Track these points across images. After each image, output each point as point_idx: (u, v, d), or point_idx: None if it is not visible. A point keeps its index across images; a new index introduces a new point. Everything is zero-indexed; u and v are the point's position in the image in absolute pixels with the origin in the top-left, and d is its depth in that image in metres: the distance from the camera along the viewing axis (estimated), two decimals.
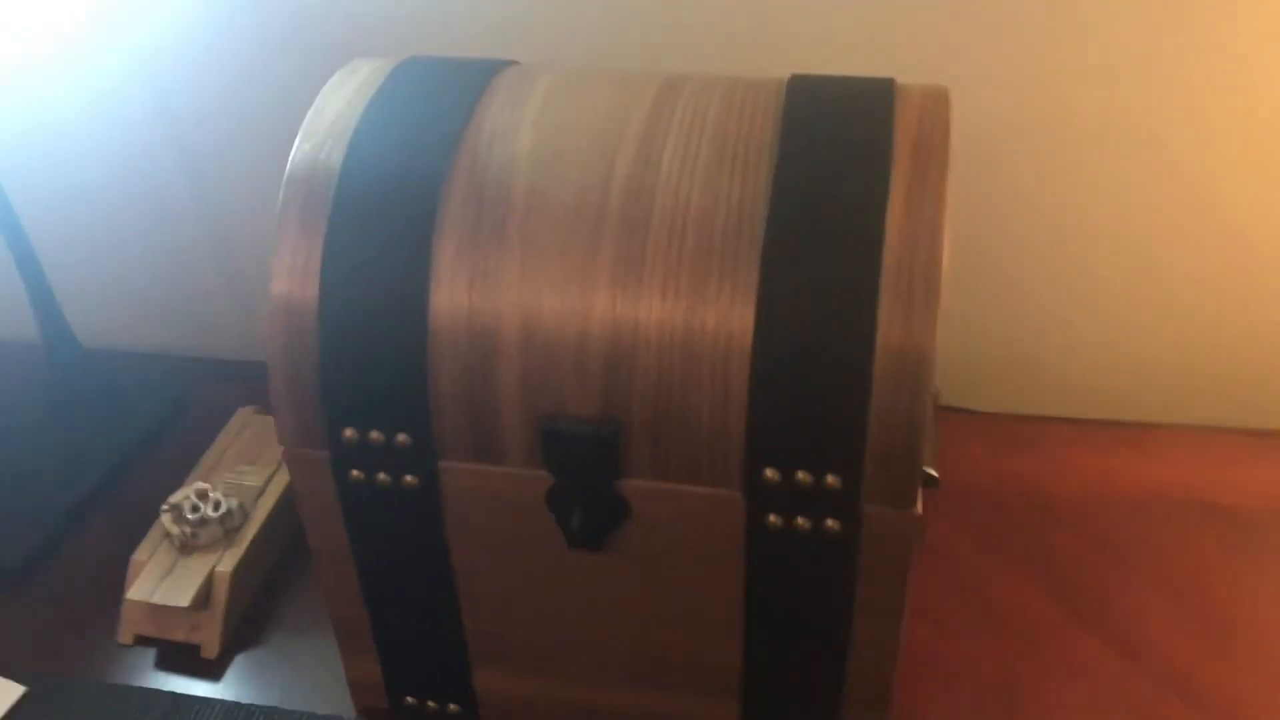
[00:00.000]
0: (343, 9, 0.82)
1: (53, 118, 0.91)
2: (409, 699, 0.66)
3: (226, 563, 0.72)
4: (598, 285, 0.51)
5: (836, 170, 0.51)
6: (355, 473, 0.56)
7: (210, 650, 0.71)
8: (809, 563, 0.54)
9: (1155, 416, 0.86)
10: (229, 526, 0.73)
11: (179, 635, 0.71)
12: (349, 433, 0.54)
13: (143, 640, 0.72)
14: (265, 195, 0.91)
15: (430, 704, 0.66)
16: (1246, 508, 0.78)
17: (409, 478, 0.55)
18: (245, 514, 0.75)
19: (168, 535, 0.73)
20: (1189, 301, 0.85)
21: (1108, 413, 0.86)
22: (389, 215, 0.52)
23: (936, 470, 0.61)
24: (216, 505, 0.73)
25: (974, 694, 0.67)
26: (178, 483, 0.77)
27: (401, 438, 0.54)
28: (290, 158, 0.54)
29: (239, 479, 0.77)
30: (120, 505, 0.82)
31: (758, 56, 0.79)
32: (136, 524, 0.76)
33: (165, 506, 0.73)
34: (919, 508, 0.52)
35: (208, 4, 0.83)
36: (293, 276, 0.53)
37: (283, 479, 0.78)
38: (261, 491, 0.77)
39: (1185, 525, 0.77)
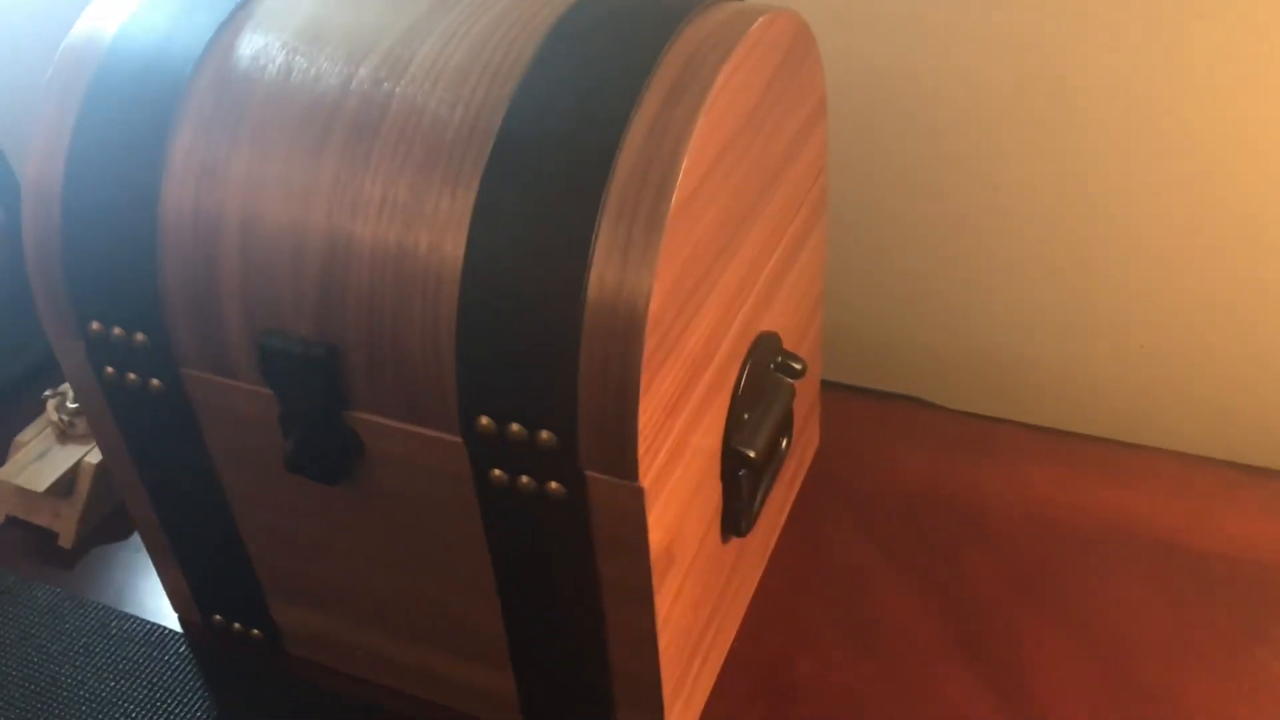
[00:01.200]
0: None
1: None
2: (217, 617, 0.64)
3: (96, 455, 0.71)
4: (317, 193, 0.46)
5: (582, 88, 0.44)
6: (109, 369, 0.53)
7: (66, 539, 0.71)
8: (539, 527, 0.48)
9: (1130, 436, 0.74)
10: None
11: (42, 520, 0.71)
12: (95, 326, 0.52)
13: (14, 521, 0.73)
14: None
15: (236, 625, 0.63)
16: (1207, 554, 0.66)
17: (154, 381, 0.52)
18: None
19: (51, 422, 0.73)
20: (1191, 318, 0.73)
21: (1072, 424, 0.75)
22: (133, 99, 0.49)
23: (764, 451, 0.54)
24: None
25: (812, 714, 0.59)
26: None
27: (139, 337, 0.51)
28: (69, 34, 0.52)
29: None
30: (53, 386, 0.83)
31: None
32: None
33: (49, 393, 0.73)
34: (644, 479, 0.45)
35: None
36: (45, 158, 0.51)
37: None
38: None
39: (1129, 567, 0.66)
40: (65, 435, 0.73)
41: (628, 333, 0.42)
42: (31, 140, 0.51)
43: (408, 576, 0.54)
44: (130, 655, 0.64)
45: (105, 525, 0.72)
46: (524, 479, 0.47)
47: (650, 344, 0.42)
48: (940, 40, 0.69)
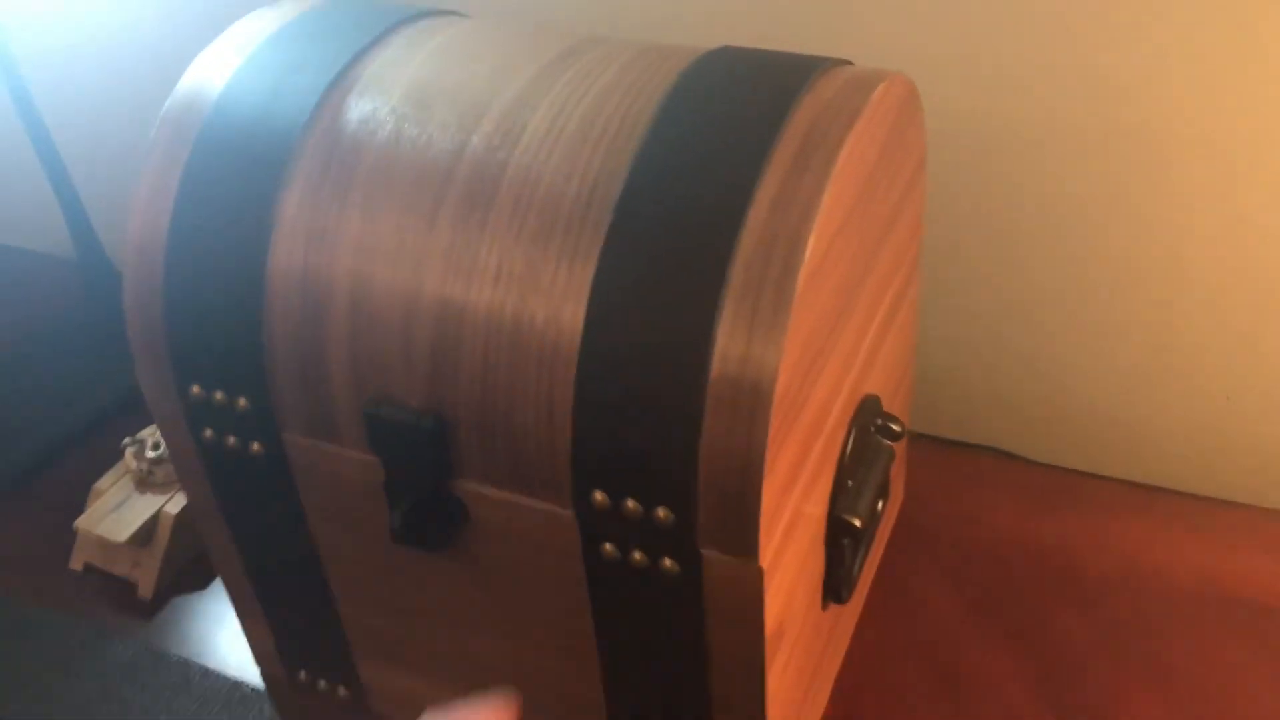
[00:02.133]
0: None
1: (89, 34, 0.93)
2: (303, 674, 0.63)
3: (175, 504, 0.71)
4: (429, 262, 0.46)
5: (703, 158, 0.43)
6: (208, 432, 0.53)
7: (145, 590, 0.70)
8: (650, 603, 0.47)
9: (1223, 493, 0.73)
10: None
11: (121, 570, 0.71)
12: (196, 390, 0.51)
13: (91, 569, 0.72)
14: None
15: (322, 683, 0.63)
16: None
17: (255, 445, 0.52)
18: None
19: (129, 469, 0.73)
20: (1271, 363, 0.71)
21: (1169, 480, 0.73)
22: (240, 161, 0.49)
23: (867, 517, 0.53)
24: None
25: None
26: None
27: (242, 402, 0.51)
28: (173, 92, 0.52)
29: None
30: (127, 431, 0.83)
31: (754, 28, 0.71)
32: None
33: (128, 441, 0.73)
34: (763, 559, 0.44)
35: None
36: (147, 220, 0.50)
37: None
38: None
39: (1223, 628, 0.64)
40: (144, 483, 0.72)
41: (753, 411, 0.41)
42: (134, 199, 0.51)
43: (505, 643, 0.53)
44: (213, 713, 0.63)
45: (184, 575, 0.72)
46: (637, 554, 0.46)
47: (775, 423, 0.42)
48: (1036, 90, 0.68)
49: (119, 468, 0.74)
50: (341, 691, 0.62)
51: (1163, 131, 0.67)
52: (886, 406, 0.59)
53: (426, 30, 0.53)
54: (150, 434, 0.73)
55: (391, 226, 0.46)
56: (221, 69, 0.52)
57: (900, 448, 0.69)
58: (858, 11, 0.70)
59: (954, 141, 0.71)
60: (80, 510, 0.73)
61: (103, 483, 0.73)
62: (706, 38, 0.74)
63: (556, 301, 0.44)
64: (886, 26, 0.70)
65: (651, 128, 0.45)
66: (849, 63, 0.49)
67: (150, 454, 0.72)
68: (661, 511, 0.44)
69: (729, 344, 0.41)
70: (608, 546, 0.46)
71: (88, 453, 0.81)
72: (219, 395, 0.51)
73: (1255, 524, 0.70)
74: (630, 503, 0.44)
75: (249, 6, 0.82)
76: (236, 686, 0.64)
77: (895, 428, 0.57)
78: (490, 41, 0.51)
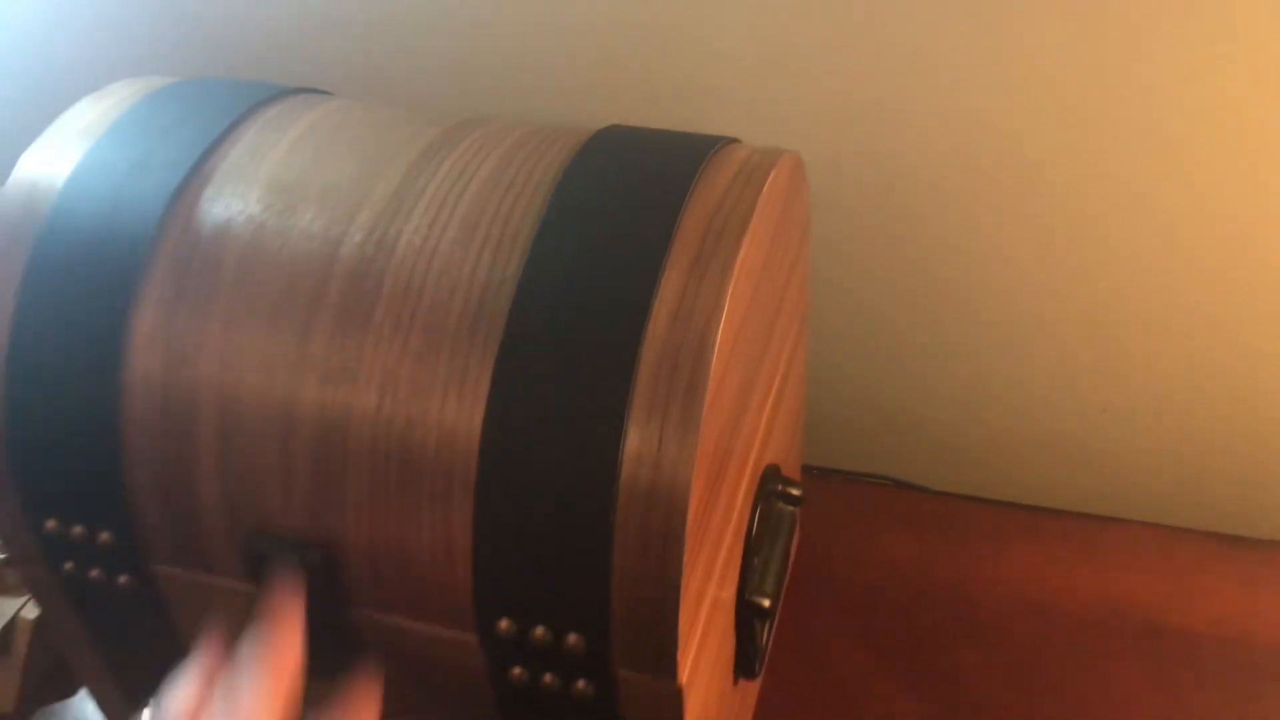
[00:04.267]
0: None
1: None
2: None
3: (32, 608, 0.65)
4: (304, 391, 0.42)
5: (595, 264, 0.41)
6: (68, 565, 0.48)
7: (4, 704, 0.65)
8: None
9: (1100, 509, 0.74)
10: None
11: None
12: (51, 524, 0.47)
13: None
14: None
15: None
16: (1191, 632, 0.66)
17: (123, 578, 0.48)
18: None
19: None
20: (1158, 385, 0.73)
21: (1050, 500, 0.75)
22: (85, 278, 0.44)
23: (773, 596, 0.52)
24: None
25: None
26: None
27: (104, 536, 0.46)
28: (9, 180, 0.47)
29: None
30: None
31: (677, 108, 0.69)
32: None
33: None
34: (681, 677, 0.42)
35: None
36: None
37: None
38: None
39: (1117, 651, 0.66)
40: None
41: (666, 535, 0.39)
42: None
43: None
44: None
45: (46, 683, 0.67)
46: (548, 677, 0.44)
47: (689, 541, 0.40)
48: (909, 127, 0.68)
49: None
50: None
51: (1045, 161, 0.67)
52: (784, 469, 0.58)
53: (286, 115, 0.49)
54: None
55: (259, 349, 0.43)
56: (55, 167, 0.47)
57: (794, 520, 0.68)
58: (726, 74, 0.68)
59: (827, 189, 0.70)
60: None
61: None
62: (584, 106, 0.71)
63: (447, 428, 0.41)
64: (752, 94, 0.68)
65: (538, 232, 0.42)
66: (736, 140, 0.47)
67: (1, 555, 0.66)
68: (572, 638, 0.42)
69: (637, 467, 0.39)
70: (517, 670, 0.44)
71: None
72: (77, 530, 0.47)
73: (1143, 539, 0.72)
74: (539, 630, 0.42)
75: (75, 90, 0.77)
76: None
77: (795, 492, 0.56)
78: (357, 128, 0.48)
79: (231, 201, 0.45)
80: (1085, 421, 0.76)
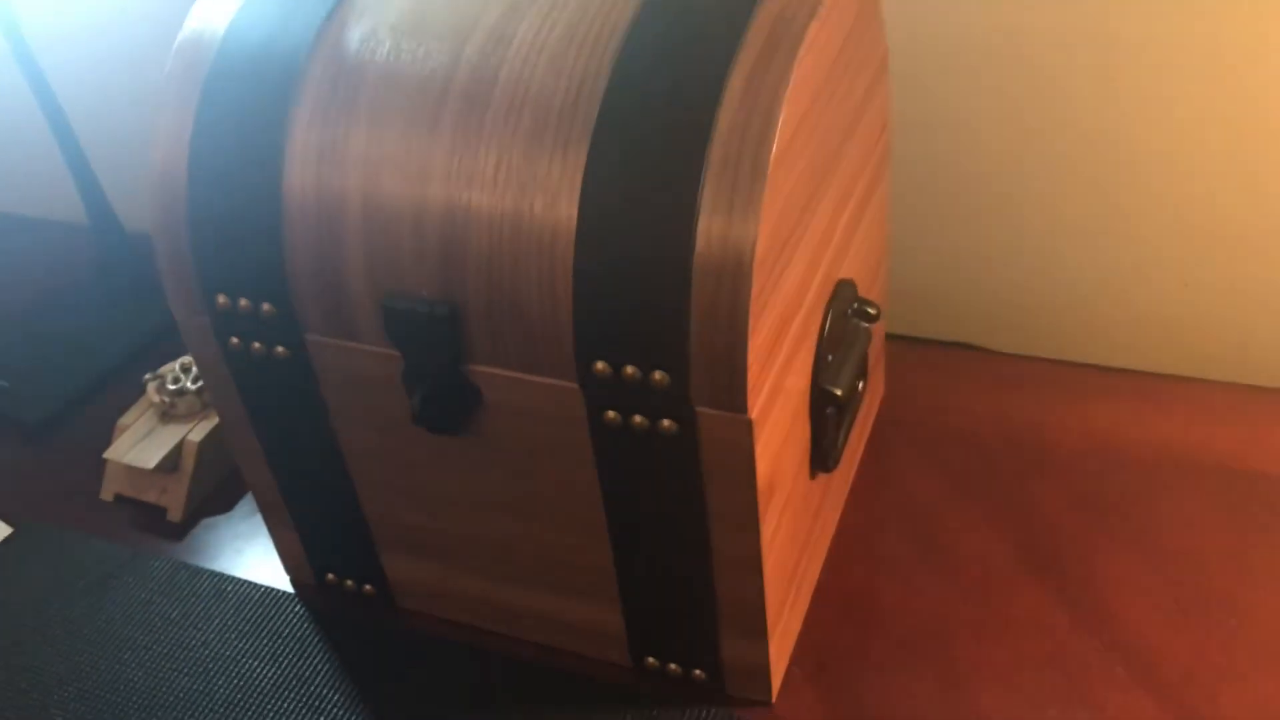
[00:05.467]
0: None
1: (96, 7, 0.96)
2: (330, 576, 0.67)
3: (197, 433, 0.75)
4: (435, 163, 0.50)
5: (679, 51, 0.48)
6: (234, 340, 0.57)
7: (175, 513, 0.75)
8: (652, 463, 0.52)
9: (1177, 369, 0.78)
10: (207, 400, 0.77)
11: (150, 497, 0.75)
12: (222, 299, 0.56)
13: (122, 499, 0.77)
14: None
15: (349, 583, 0.67)
16: (1262, 474, 0.69)
17: (280, 348, 0.56)
18: None
19: (152, 403, 0.77)
20: (1222, 247, 0.76)
21: (1126, 361, 0.78)
22: (252, 86, 0.53)
23: (847, 390, 0.58)
24: (196, 378, 0.76)
25: (900, 640, 0.63)
26: None
27: (267, 307, 0.55)
28: (183, 26, 0.56)
29: None
30: (142, 375, 0.87)
31: None
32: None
33: (149, 376, 0.77)
34: (752, 412, 0.48)
35: None
36: (169, 144, 0.54)
37: None
38: None
39: (1188, 490, 0.69)
40: (166, 415, 0.76)
41: (736, 276, 0.46)
42: (155, 129, 0.55)
43: (520, 521, 0.58)
44: (249, 616, 0.68)
45: (209, 500, 0.76)
46: (637, 418, 0.50)
47: (755, 287, 0.46)
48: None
49: (141, 403, 0.78)
50: (367, 588, 0.67)
51: (1122, 31, 0.71)
52: (862, 293, 0.64)
53: None
54: (169, 370, 0.77)
55: (397, 134, 0.51)
56: (225, 6, 0.56)
57: (879, 343, 0.73)
58: None
59: (921, 48, 0.75)
60: (105, 444, 0.78)
61: (126, 418, 0.77)
62: None
63: (552, 191, 0.48)
64: None
65: (630, 27, 0.49)
66: None
67: (171, 387, 0.76)
68: (658, 375, 0.48)
69: (711, 218, 0.46)
70: (610, 413, 0.51)
71: (108, 397, 0.85)
72: (244, 302, 0.55)
73: (1216, 394, 0.75)
74: (629, 369, 0.49)
75: None
76: (269, 592, 0.69)
77: (871, 310, 0.61)
78: None
79: (372, 22, 0.53)
80: (1165, 292, 0.79)
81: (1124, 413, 0.74)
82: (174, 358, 0.86)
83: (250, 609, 0.68)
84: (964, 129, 0.78)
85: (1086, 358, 0.79)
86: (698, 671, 0.60)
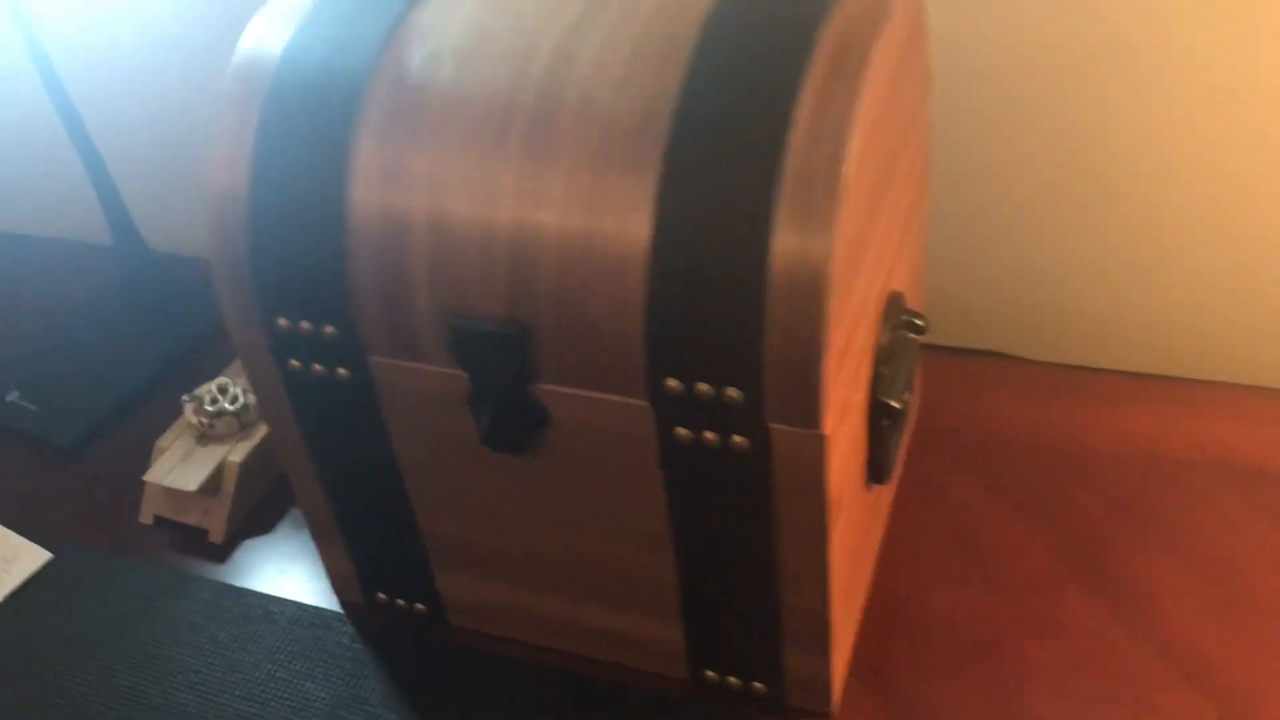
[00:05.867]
0: None
1: (119, 30, 0.96)
2: (381, 595, 0.67)
3: (237, 453, 0.75)
4: (503, 184, 0.50)
5: (748, 69, 0.48)
6: (294, 362, 0.57)
7: (217, 535, 0.74)
8: (722, 480, 0.52)
9: (1209, 374, 0.79)
10: (245, 420, 0.76)
11: (191, 519, 0.75)
12: (282, 322, 0.56)
13: (161, 521, 0.76)
14: None
15: (399, 602, 0.67)
16: None
17: (341, 370, 0.56)
18: None
19: (189, 425, 0.77)
20: (1257, 252, 0.77)
21: (1159, 368, 0.79)
22: (313, 108, 0.53)
23: (901, 401, 0.58)
24: (234, 399, 0.76)
25: (951, 646, 0.64)
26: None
27: (329, 329, 0.55)
28: (237, 49, 0.56)
29: None
30: (173, 397, 0.87)
31: None
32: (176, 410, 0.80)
33: (187, 397, 0.77)
34: (825, 427, 0.49)
35: None
36: (227, 167, 0.54)
37: None
38: None
39: (1225, 492, 0.70)
40: (205, 437, 0.76)
41: (813, 292, 0.46)
42: (212, 149, 0.55)
43: (581, 537, 0.58)
44: (299, 637, 0.68)
45: (250, 520, 0.76)
46: (708, 434, 0.51)
47: (830, 315, 0.46)
48: (1025, 7, 0.73)
49: (178, 425, 0.78)
50: (419, 607, 0.67)
51: (1151, 40, 0.72)
52: (907, 304, 0.64)
53: None
54: (206, 391, 0.77)
55: (463, 155, 0.51)
56: (281, 25, 0.56)
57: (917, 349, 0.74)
58: None
59: (954, 58, 0.76)
60: (140, 468, 0.77)
61: (164, 440, 0.77)
62: None
63: (623, 210, 0.48)
64: None
65: (697, 45, 0.49)
66: None
67: (209, 408, 0.76)
68: (731, 391, 0.49)
69: (786, 232, 0.46)
70: (681, 430, 0.51)
71: (138, 418, 0.85)
72: (305, 325, 0.55)
73: (1243, 397, 0.76)
74: (702, 386, 0.49)
75: None
76: (318, 612, 0.69)
77: (919, 322, 0.62)
78: None
79: (434, 42, 0.53)
80: (1196, 296, 0.81)
81: (1158, 418, 0.75)
82: (202, 376, 0.86)
83: (300, 630, 0.68)
84: (995, 138, 0.79)
85: (1118, 364, 0.80)
86: (758, 684, 0.61)
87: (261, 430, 0.76)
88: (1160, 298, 0.81)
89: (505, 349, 0.52)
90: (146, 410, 0.86)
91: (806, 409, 0.48)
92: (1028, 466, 0.73)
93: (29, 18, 0.79)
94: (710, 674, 0.61)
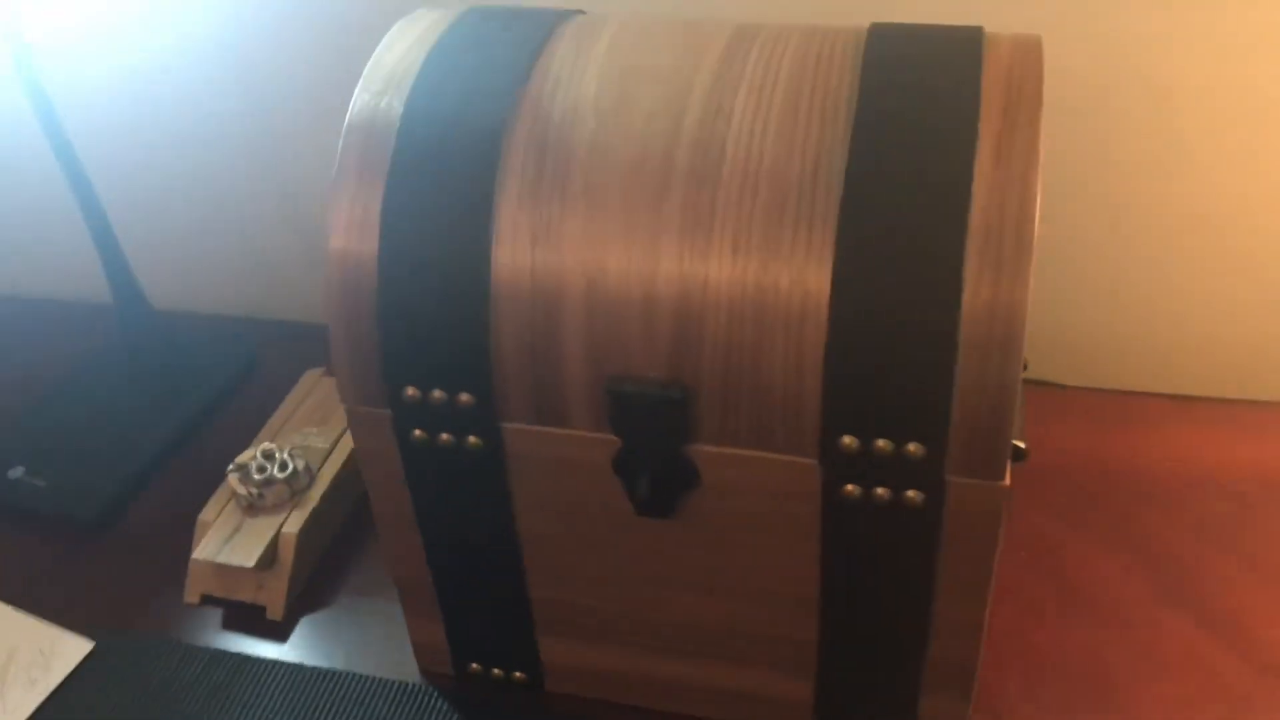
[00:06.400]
0: None
1: (122, 81, 0.91)
2: (474, 666, 0.64)
3: (292, 524, 0.71)
4: (665, 242, 0.48)
5: (920, 122, 0.47)
6: (418, 432, 0.54)
7: (275, 611, 0.70)
8: (888, 536, 0.51)
9: (1258, 394, 0.81)
10: (295, 488, 0.72)
11: (245, 596, 0.71)
12: (410, 391, 0.53)
13: (209, 600, 0.72)
14: (333, 153, 0.90)
15: (496, 671, 0.64)
16: None
17: (472, 439, 0.53)
18: (311, 475, 0.74)
19: (234, 495, 0.72)
20: None
21: (1209, 389, 0.81)
22: (449, 167, 0.50)
23: (1024, 442, 0.58)
24: (283, 466, 0.72)
25: (1063, 682, 0.64)
26: (246, 443, 0.77)
27: (464, 397, 0.52)
28: (349, 108, 0.53)
29: (305, 440, 0.76)
30: (190, 465, 0.82)
31: (831, 5, 0.76)
32: (206, 484, 0.76)
33: (232, 467, 0.72)
34: (1007, 480, 0.49)
35: None
36: (351, 230, 0.51)
37: (349, 441, 0.76)
38: (328, 453, 0.76)
39: None
40: (253, 508, 0.72)
41: (1006, 346, 0.46)
42: (331, 215, 0.51)
43: (713, 599, 0.57)
44: (386, 716, 0.64)
45: (305, 594, 0.72)
46: (879, 490, 0.50)
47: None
48: (1107, 42, 0.74)
49: (220, 495, 0.73)
50: (518, 675, 0.64)
51: (1183, 84, 0.74)
52: None
53: (590, 24, 0.55)
54: (250, 459, 0.73)
55: (620, 214, 0.49)
56: (396, 79, 0.53)
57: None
58: None
59: None
60: (173, 541, 0.73)
61: (207, 513, 0.72)
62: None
63: (799, 265, 0.47)
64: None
65: (860, 97, 0.48)
66: (981, 28, 0.54)
67: (257, 477, 0.72)
68: (913, 446, 0.48)
69: (977, 287, 0.46)
70: (849, 487, 0.50)
71: (151, 487, 0.80)
72: (437, 394, 0.52)
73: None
74: (881, 442, 0.48)
75: (278, 50, 0.83)
76: (404, 688, 0.65)
77: (1026, 363, 0.62)
78: (660, 29, 0.54)
79: (570, 94, 0.51)
80: (1251, 319, 0.83)
81: (1210, 439, 0.77)
82: (217, 439, 0.82)
83: (387, 707, 0.65)
84: (1049, 168, 0.80)
85: (1156, 388, 0.82)
86: None
87: (314, 498, 0.73)
88: (1190, 315, 0.84)
89: (667, 412, 0.50)
90: (166, 478, 0.81)
91: (992, 461, 0.48)
92: (1092, 493, 0.74)
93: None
94: None
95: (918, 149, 0.47)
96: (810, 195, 0.48)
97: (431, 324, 0.51)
